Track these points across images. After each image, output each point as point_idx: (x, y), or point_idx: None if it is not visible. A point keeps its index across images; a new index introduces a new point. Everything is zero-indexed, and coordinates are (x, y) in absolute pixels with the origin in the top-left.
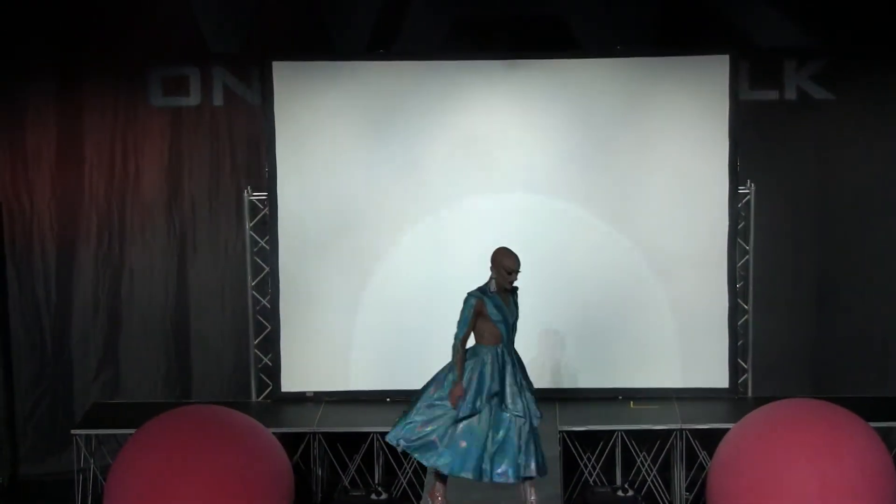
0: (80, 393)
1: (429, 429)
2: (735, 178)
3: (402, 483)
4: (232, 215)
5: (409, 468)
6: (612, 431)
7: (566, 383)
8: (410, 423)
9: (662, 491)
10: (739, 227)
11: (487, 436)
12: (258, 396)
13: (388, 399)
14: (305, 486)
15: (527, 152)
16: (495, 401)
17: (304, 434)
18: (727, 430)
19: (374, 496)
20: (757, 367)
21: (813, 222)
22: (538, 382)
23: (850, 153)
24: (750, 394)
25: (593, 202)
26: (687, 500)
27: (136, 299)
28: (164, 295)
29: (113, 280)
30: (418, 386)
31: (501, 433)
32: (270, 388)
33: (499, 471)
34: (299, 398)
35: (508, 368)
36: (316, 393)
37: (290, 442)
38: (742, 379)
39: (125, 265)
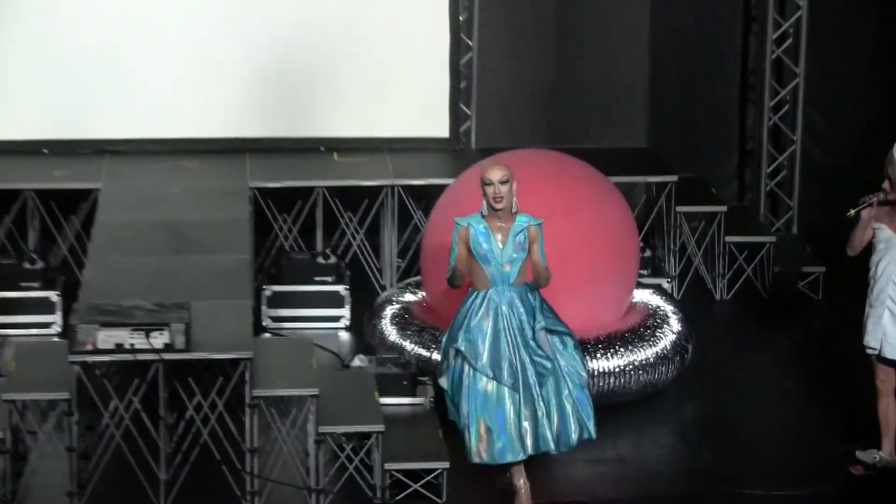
0: None
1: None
2: None
3: (62, 251)
4: None
5: (73, 233)
6: (312, 188)
7: (257, 131)
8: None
9: (371, 257)
10: None
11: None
12: None
13: (45, 151)
14: None
15: None
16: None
17: None
18: (446, 185)
19: (27, 264)
20: (482, 114)
21: None
22: (225, 131)
23: None
24: (473, 145)
25: None
26: (398, 266)
27: None
28: None
29: None
30: (79, 136)
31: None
32: None
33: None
34: None
35: (491, 323)
36: None
37: None
38: (464, 127)
39: None
